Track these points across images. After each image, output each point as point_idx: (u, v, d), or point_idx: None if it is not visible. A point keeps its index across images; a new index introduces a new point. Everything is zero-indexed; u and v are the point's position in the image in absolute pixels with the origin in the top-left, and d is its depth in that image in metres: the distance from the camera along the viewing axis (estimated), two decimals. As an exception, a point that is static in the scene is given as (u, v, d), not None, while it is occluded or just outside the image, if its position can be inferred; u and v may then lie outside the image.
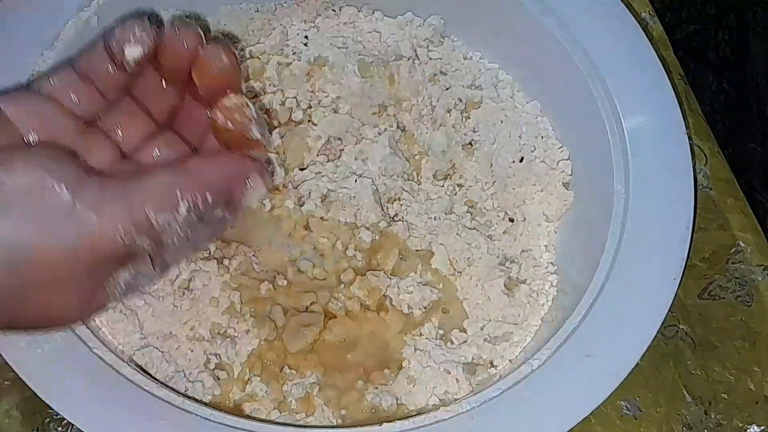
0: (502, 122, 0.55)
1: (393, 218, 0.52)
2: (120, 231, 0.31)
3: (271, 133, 0.53)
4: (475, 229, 0.52)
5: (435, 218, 0.52)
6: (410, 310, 0.49)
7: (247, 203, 0.35)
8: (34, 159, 0.31)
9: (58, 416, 0.47)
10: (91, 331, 0.41)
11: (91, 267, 0.32)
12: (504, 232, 0.53)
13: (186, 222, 0.33)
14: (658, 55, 0.52)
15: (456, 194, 0.54)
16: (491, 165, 0.54)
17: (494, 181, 0.54)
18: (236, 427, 0.39)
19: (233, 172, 0.35)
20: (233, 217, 0.35)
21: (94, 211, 0.31)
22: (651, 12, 0.65)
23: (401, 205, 0.53)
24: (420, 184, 0.54)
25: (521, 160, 0.54)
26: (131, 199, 0.32)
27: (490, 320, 0.49)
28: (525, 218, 0.53)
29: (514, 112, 0.56)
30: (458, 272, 0.51)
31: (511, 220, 0.53)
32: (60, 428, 0.47)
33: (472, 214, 0.53)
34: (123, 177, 0.33)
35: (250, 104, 0.35)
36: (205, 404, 0.41)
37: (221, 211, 0.34)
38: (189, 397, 0.41)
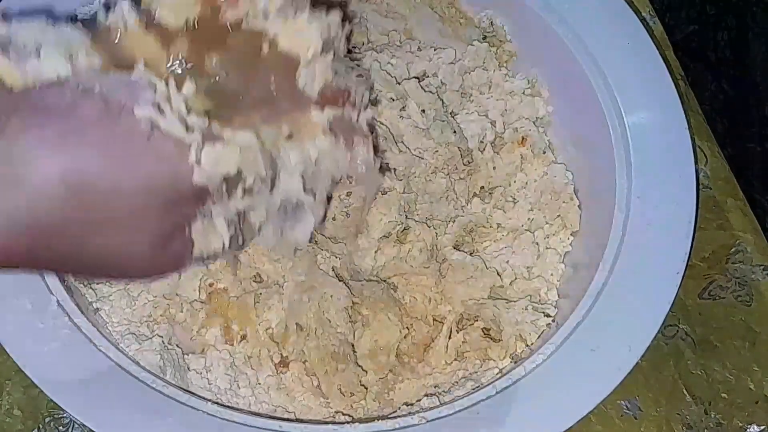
0: (518, 121, 0.55)
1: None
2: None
3: None
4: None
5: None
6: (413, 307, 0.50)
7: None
8: (112, 83, 0.30)
9: (59, 415, 0.47)
10: (97, 329, 0.41)
11: (164, 201, 0.30)
12: (505, 230, 0.53)
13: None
14: (658, 55, 0.52)
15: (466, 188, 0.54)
16: (498, 165, 0.54)
17: (498, 179, 0.54)
18: (243, 424, 0.39)
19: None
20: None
21: (171, 139, 0.30)
22: (651, 12, 0.65)
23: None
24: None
25: (525, 159, 0.54)
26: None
27: (493, 317, 0.49)
28: (526, 217, 0.53)
29: (522, 105, 0.55)
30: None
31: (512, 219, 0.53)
32: (61, 427, 0.47)
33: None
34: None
35: None
36: (212, 401, 0.41)
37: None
38: (195, 395, 0.41)
